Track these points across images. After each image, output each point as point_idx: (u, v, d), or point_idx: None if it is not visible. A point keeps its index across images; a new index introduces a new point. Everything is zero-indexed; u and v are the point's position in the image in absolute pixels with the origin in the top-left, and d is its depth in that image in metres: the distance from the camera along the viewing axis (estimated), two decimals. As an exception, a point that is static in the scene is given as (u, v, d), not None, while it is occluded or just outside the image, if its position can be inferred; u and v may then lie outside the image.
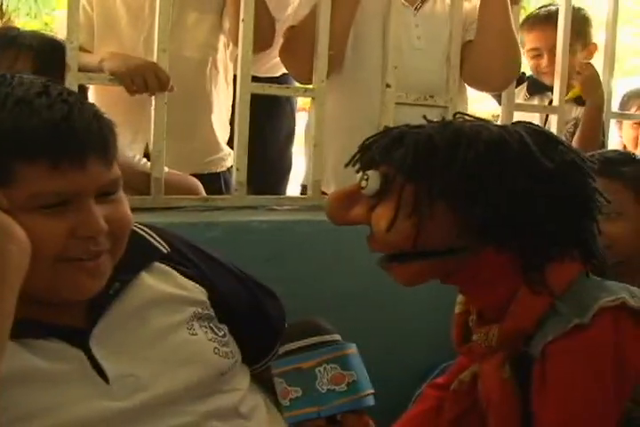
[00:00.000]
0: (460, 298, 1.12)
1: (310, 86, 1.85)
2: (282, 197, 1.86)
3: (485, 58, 2.03)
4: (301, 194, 2.13)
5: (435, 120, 1.01)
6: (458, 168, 0.93)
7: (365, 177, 0.98)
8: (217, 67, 2.20)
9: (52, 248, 0.97)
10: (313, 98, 1.85)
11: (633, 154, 1.65)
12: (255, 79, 1.81)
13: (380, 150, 0.98)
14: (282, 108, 2.49)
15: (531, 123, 1.02)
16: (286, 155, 2.56)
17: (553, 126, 2.15)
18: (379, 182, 0.97)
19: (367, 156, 1.00)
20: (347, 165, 1.03)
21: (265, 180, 2.47)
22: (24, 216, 0.95)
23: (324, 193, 1.83)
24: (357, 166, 1.02)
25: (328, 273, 1.65)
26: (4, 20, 10.79)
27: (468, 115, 1.05)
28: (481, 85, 2.16)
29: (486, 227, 0.94)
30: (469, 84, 2.20)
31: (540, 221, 0.95)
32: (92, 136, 0.99)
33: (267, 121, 2.47)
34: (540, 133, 0.99)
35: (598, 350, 0.93)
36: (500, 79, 2.09)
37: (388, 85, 1.88)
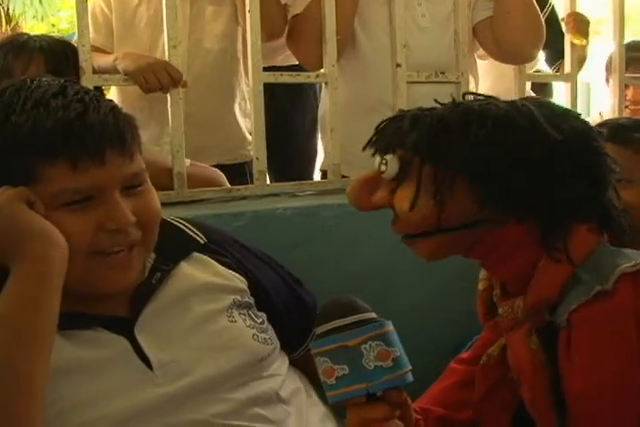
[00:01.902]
0: (482, 274, 1.14)
1: (322, 71, 1.87)
2: (303, 182, 1.86)
3: (514, 30, 2.04)
4: (322, 178, 2.15)
5: (446, 102, 1.02)
6: (471, 145, 0.95)
7: (384, 162, 1.00)
8: (237, 57, 2.22)
9: (80, 243, 0.99)
10: (325, 83, 1.87)
11: None
12: (277, 69, 1.82)
13: (395, 135, 1.00)
14: (305, 95, 2.51)
15: (538, 97, 1.04)
16: (312, 141, 2.57)
17: (566, 94, 2.15)
18: (397, 166, 0.99)
19: (383, 140, 1.02)
20: (363, 149, 1.05)
21: (292, 167, 2.50)
22: (51, 214, 0.98)
23: (344, 176, 1.84)
24: (373, 151, 1.03)
25: (352, 255, 1.67)
26: (11, 24, 10.82)
27: (476, 93, 1.06)
28: (513, 59, 2.14)
29: (504, 199, 0.96)
30: (502, 61, 2.21)
31: (555, 190, 0.96)
32: (109, 131, 1.00)
33: (291, 108, 2.49)
34: (546, 105, 1.00)
35: (621, 315, 0.93)
36: (532, 48, 2.11)
37: (398, 65, 1.89)
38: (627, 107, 2.61)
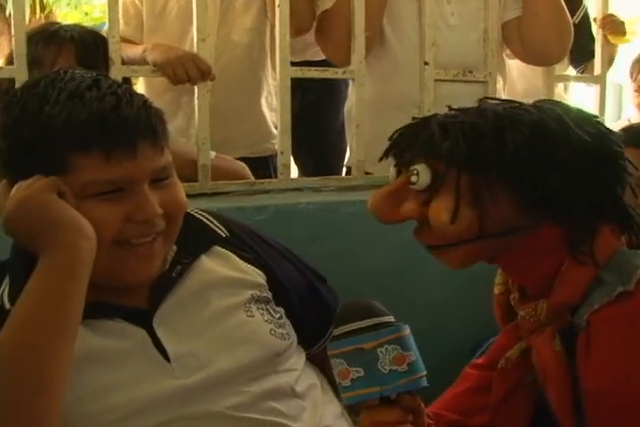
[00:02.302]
0: (498, 279, 1.13)
1: (349, 68, 1.87)
2: (326, 178, 1.87)
3: (542, 32, 2.04)
4: (346, 174, 2.15)
5: (457, 108, 1.01)
6: (509, 152, 0.94)
7: (415, 172, 0.97)
8: (265, 50, 2.23)
9: (108, 233, 1.01)
10: (352, 79, 1.87)
11: None
12: (308, 63, 1.81)
13: (425, 144, 0.97)
14: (337, 90, 2.50)
15: (557, 100, 1.04)
16: (343, 136, 2.55)
17: (595, 96, 2.14)
18: (429, 176, 0.96)
19: (410, 150, 0.99)
20: (380, 160, 1.03)
21: (324, 162, 2.51)
22: (81, 203, 0.99)
23: (368, 173, 1.85)
24: (396, 160, 1.01)
25: (371, 251, 1.67)
26: (45, 12, 10.89)
27: (494, 98, 1.06)
28: (541, 60, 2.14)
29: (543, 204, 0.95)
30: (527, 62, 2.21)
31: (587, 193, 0.96)
32: (142, 125, 1.02)
33: (322, 103, 2.50)
34: (570, 109, 1.00)
35: None
36: (559, 50, 2.10)
37: (426, 63, 1.89)
38: None
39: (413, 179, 0.97)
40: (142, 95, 1.08)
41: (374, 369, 0.89)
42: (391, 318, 0.93)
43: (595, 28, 2.18)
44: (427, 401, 1.02)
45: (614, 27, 2.20)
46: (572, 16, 2.45)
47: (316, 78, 1.89)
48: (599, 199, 0.97)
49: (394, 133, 1.02)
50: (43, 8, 10.63)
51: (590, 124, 0.99)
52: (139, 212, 1.02)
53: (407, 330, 0.92)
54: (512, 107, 0.98)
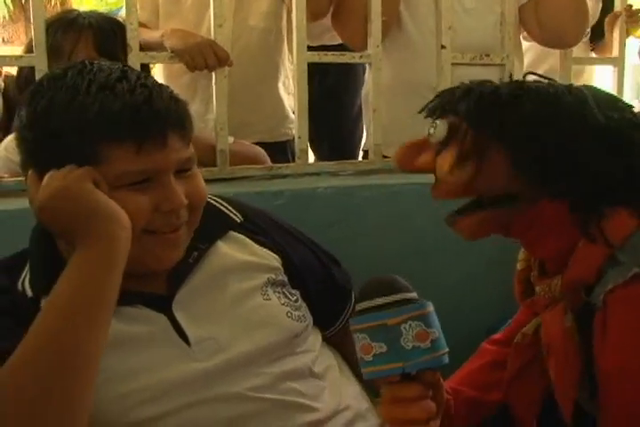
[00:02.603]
0: (521, 255, 1.14)
1: (366, 52, 1.87)
2: (344, 162, 1.88)
3: (559, 14, 2.03)
4: (363, 158, 2.16)
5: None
6: (517, 118, 0.96)
7: (434, 125, 1.01)
8: (281, 34, 2.23)
9: (140, 222, 1.03)
10: (369, 63, 1.88)
11: None
12: (325, 48, 1.80)
13: (448, 101, 1.01)
14: (355, 74, 2.50)
15: (592, 86, 1.05)
16: (362, 121, 2.56)
17: (613, 78, 2.14)
18: (445, 130, 1.00)
19: (435, 106, 1.03)
20: (419, 112, 1.06)
21: (343, 146, 2.52)
22: (113, 193, 1.01)
23: (385, 157, 1.85)
24: (426, 114, 1.05)
25: (389, 235, 1.68)
26: (61, -3, 10.88)
27: (537, 74, 1.06)
28: (557, 43, 2.13)
29: (540, 175, 0.97)
30: (543, 44, 2.21)
31: (591, 174, 0.96)
32: (172, 117, 1.04)
33: (342, 88, 2.50)
34: (601, 93, 1.01)
35: None
36: (576, 32, 2.09)
37: (443, 46, 1.88)
38: None
39: (431, 131, 1.01)
40: (167, 86, 1.09)
41: (397, 345, 0.89)
42: (415, 295, 0.93)
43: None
44: (443, 378, 1.03)
45: (633, 19, 2.21)
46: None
47: (334, 63, 1.89)
48: (606, 182, 0.97)
49: (440, 92, 1.06)
50: (59, -6, 10.64)
51: (616, 109, 0.99)
52: (166, 202, 1.04)
53: (431, 307, 0.93)
54: (542, 82, 1.01)
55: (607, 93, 1.04)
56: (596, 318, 0.99)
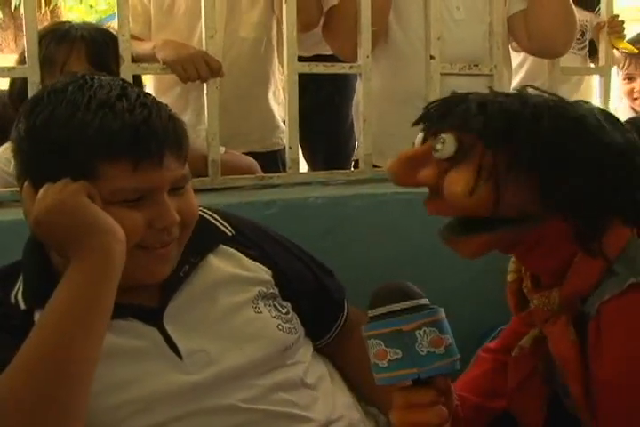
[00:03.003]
0: (511, 266, 1.14)
1: (356, 63, 1.88)
2: (335, 171, 1.89)
3: (547, 24, 2.06)
4: (354, 168, 2.17)
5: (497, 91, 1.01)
6: (542, 139, 0.93)
7: (442, 140, 0.97)
8: (272, 45, 2.24)
9: (135, 238, 1.04)
10: (359, 74, 1.89)
11: None
12: (321, 57, 1.80)
13: (459, 115, 0.97)
14: (351, 86, 2.50)
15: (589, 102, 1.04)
16: (354, 132, 2.56)
17: (600, 87, 2.16)
18: (455, 147, 0.96)
19: (441, 119, 0.99)
20: (414, 124, 1.02)
21: (337, 156, 2.53)
22: (107, 209, 1.02)
23: (376, 166, 1.86)
24: (426, 127, 1.01)
25: (381, 243, 1.69)
26: (50, 5, 10.89)
27: (536, 88, 1.03)
28: (546, 52, 2.15)
29: (560, 199, 0.95)
30: (532, 54, 2.24)
31: (608, 191, 0.95)
32: (169, 137, 1.05)
33: (337, 98, 2.51)
34: (603, 111, 1.00)
35: None
36: (564, 42, 2.11)
37: (432, 57, 1.89)
38: (635, 99, 2.65)
39: (438, 146, 0.96)
40: (166, 105, 1.10)
41: (412, 351, 0.89)
42: (427, 301, 0.94)
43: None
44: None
45: (618, 30, 2.23)
46: (593, 10, 2.49)
47: (327, 74, 1.90)
48: (616, 201, 0.96)
49: (429, 104, 1.01)
50: (48, 2, 10.63)
51: (619, 128, 0.98)
52: (159, 219, 1.05)
53: (443, 313, 0.93)
54: (552, 99, 0.98)
55: (605, 110, 1.03)
56: (590, 327, 0.99)
